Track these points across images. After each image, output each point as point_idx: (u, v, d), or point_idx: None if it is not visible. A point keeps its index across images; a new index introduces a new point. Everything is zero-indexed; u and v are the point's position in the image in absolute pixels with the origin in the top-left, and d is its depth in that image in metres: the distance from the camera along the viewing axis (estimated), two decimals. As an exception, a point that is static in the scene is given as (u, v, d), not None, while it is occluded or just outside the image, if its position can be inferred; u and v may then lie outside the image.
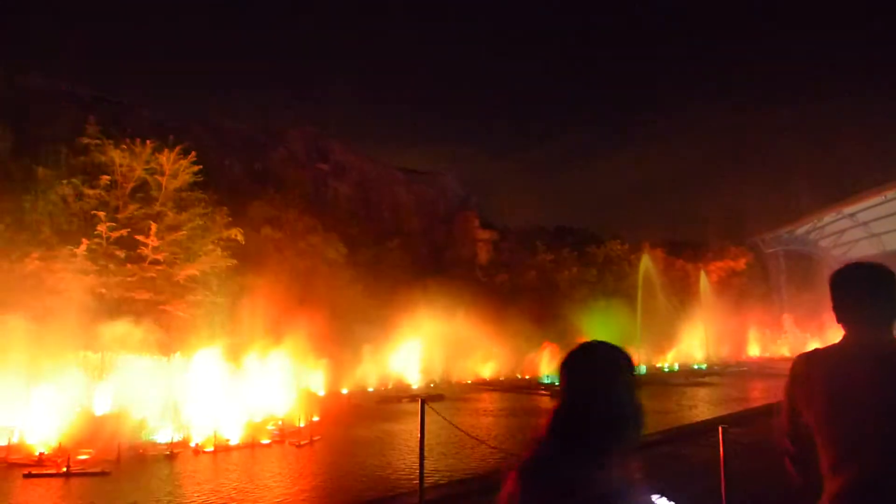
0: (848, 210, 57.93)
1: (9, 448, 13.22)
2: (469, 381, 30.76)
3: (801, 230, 62.42)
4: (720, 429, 6.70)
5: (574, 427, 1.63)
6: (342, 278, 33.48)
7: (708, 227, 57.49)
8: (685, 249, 54.15)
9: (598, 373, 1.69)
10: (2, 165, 25.59)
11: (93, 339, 20.44)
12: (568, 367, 1.77)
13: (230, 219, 27.74)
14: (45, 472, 11.99)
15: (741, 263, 55.84)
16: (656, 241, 52.72)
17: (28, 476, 11.71)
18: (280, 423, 16.74)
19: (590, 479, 1.53)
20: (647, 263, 45.75)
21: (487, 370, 32.39)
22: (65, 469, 11.82)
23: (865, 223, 59.45)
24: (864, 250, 62.24)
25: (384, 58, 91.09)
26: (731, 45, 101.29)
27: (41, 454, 12.97)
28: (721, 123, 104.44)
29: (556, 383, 2.58)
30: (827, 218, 60.39)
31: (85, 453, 13.40)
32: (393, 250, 38.99)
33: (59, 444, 13.54)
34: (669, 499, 1.88)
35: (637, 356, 36.78)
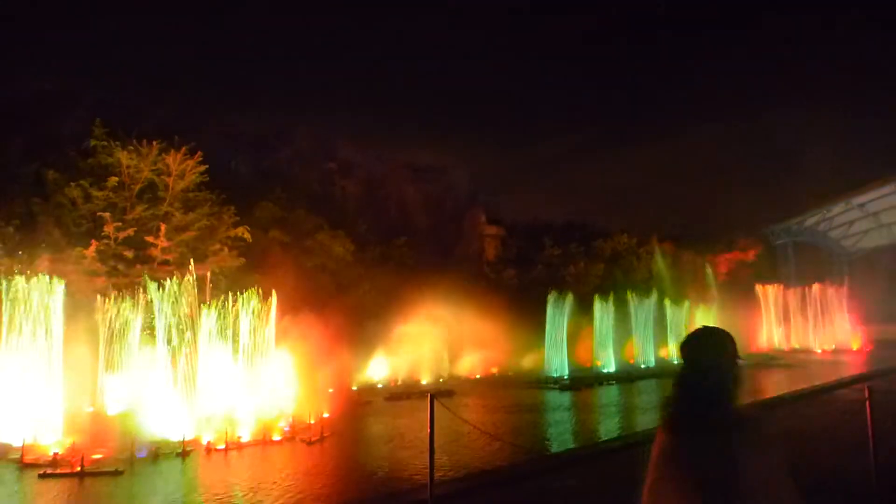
0: (857, 200, 57.48)
1: (24, 448, 13.36)
2: (478, 377, 30.79)
3: (810, 221, 61.97)
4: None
5: (701, 386, 2.31)
6: (350, 276, 33.56)
7: (717, 220, 57.23)
8: (694, 242, 53.93)
9: (713, 349, 2.40)
10: (11, 168, 25.80)
11: (105, 339, 20.63)
12: (691, 345, 2.44)
13: (237, 218, 27.86)
14: (59, 472, 12.13)
15: (750, 255, 55.57)
16: (664, 234, 52.57)
17: (43, 476, 11.84)
18: (290, 420, 16.83)
19: (724, 413, 2.27)
20: (658, 259, 45.65)
21: (496, 366, 32.41)
22: (79, 469, 11.95)
23: (875, 213, 58.98)
24: (873, 241, 61.79)
25: (391, 55, 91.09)
26: (740, 37, 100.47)
27: (55, 454, 13.11)
28: (729, 115, 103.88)
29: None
30: (836, 208, 59.92)
31: (98, 453, 13.54)
32: (400, 247, 39.02)
33: (73, 443, 13.67)
34: None
35: (644, 349, 36.70)
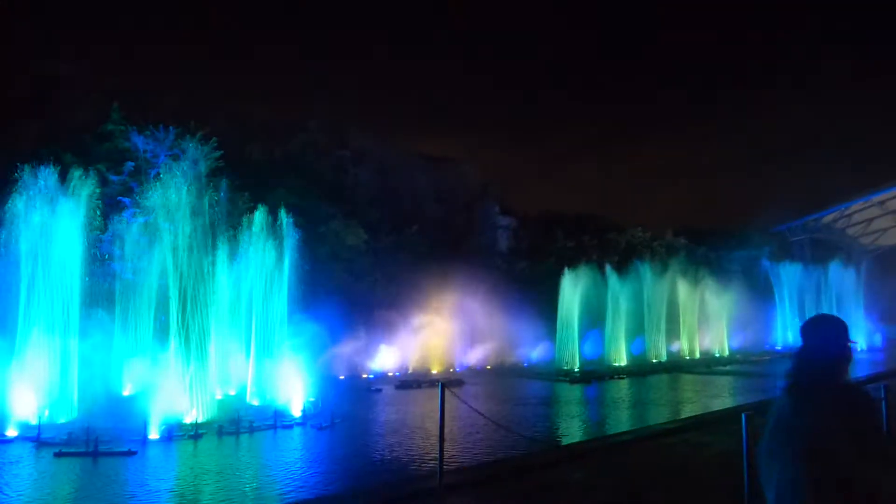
0: (877, 197, 56.58)
1: (40, 427, 13.55)
2: (489, 367, 30.83)
3: (827, 218, 61.12)
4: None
5: (817, 363, 2.75)
6: (362, 264, 33.62)
7: (732, 215, 56.64)
8: (708, 237, 53.41)
9: (826, 331, 2.83)
10: (29, 153, 26.01)
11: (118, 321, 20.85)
12: (808, 328, 2.87)
13: (252, 204, 27.92)
14: (74, 451, 12.29)
15: (766, 251, 54.97)
16: (679, 228, 52.13)
17: (59, 454, 12.01)
18: (302, 405, 16.93)
19: (832, 384, 2.69)
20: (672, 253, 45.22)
21: (507, 356, 32.42)
22: (93, 448, 12.10)
23: (895, 211, 58.06)
24: (893, 238, 60.90)
25: (404, 45, 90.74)
26: (760, 31, 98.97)
27: (71, 433, 13.28)
28: (745, 111, 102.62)
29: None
30: (855, 205, 59.03)
31: (113, 433, 13.71)
32: (412, 237, 39.03)
33: (89, 423, 13.85)
34: None
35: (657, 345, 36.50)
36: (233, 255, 21.29)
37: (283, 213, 22.06)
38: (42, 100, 31.04)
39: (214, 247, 19.54)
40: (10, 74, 34.05)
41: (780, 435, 2.68)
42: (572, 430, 15.55)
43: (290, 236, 22.15)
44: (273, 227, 21.63)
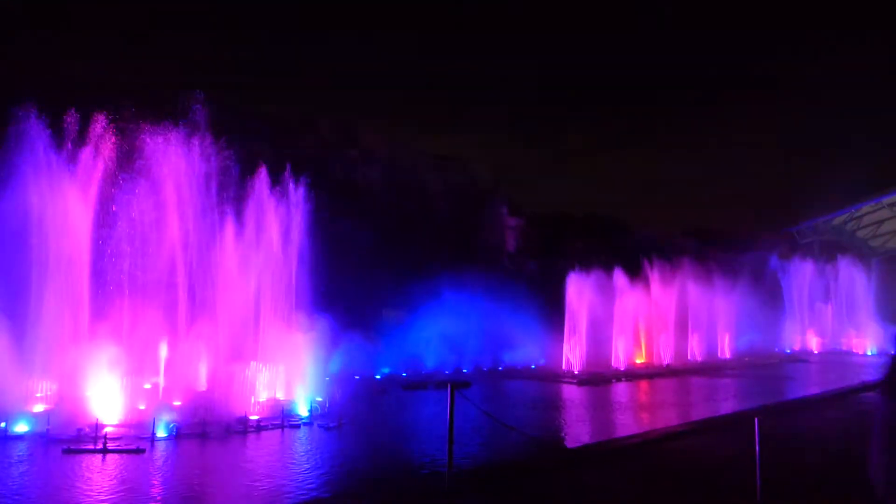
0: (887, 199, 56.10)
1: (49, 423, 13.61)
2: (499, 368, 30.80)
3: (837, 220, 60.70)
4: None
5: None
6: (370, 263, 33.61)
7: (741, 216, 56.39)
8: (718, 238, 53.18)
9: None
10: (43, 154, 26.15)
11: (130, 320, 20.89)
12: None
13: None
14: (83, 448, 12.34)
15: (775, 253, 54.66)
16: (689, 229, 51.89)
17: (67, 451, 12.06)
18: (309, 405, 16.95)
19: None
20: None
21: (515, 357, 32.32)
22: (102, 446, 12.15)
23: (906, 214, 57.56)
24: (903, 241, 60.41)
25: (414, 44, 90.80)
26: (770, 35, 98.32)
27: (79, 430, 13.34)
28: (754, 112, 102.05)
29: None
30: (865, 207, 58.61)
31: (121, 430, 13.77)
32: (421, 236, 39.03)
33: (97, 420, 13.90)
34: None
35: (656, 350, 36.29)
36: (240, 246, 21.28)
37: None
38: (59, 98, 31.16)
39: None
40: (21, 76, 34.29)
41: (882, 432, 2.99)
42: (580, 433, 15.48)
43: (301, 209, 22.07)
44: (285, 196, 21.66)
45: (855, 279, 49.98)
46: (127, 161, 21.05)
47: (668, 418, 17.11)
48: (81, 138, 19.28)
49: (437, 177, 48.42)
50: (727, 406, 19.72)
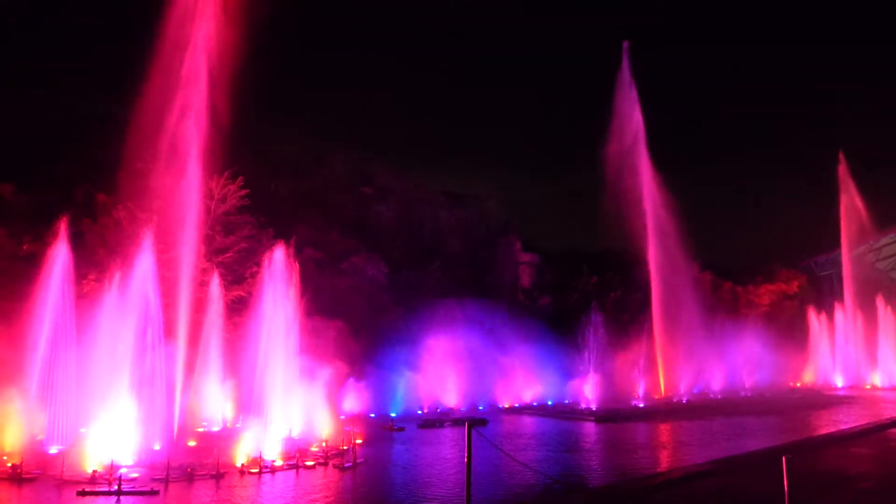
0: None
1: (63, 464, 13.52)
2: (516, 405, 30.38)
3: (856, 252, 60.01)
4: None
5: None
6: (384, 299, 33.54)
7: (757, 250, 55.85)
8: (734, 273, 52.59)
9: None
10: (64, 189, 26.69)
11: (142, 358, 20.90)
12: None
13: (276, 241, 28.17)
14: (97, 489, 12.22)
15: (793, 286, 53.87)
16: (705, 263, 51.35)
17: (81, 493, 11.94)
18: (324, 444, 16.74)
19: None
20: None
21: (531, 394, 31.87)
22: (116, 488, 12.03)
23: (925, 246, 56.85)
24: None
25: (426, 82, 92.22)
26: (785, 63, 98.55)
27: (94, 472, 13.23)
28: (770, 143, 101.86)
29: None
30: (884, 239, 57.99)
31: (135, 472, 13.65)
32: (434, 272, 39.02)
33: (111, 461, 13.79)
34: None
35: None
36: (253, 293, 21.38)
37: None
38: (78, 139, 31.87)
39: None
40: (44, 114, 35.28)
41: None
42: (601, 472, 15.11)
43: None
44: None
45: (878, 312, 49.13)
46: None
47: (691, 456, 16.68)
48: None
49: (450, 214, 48.64)
50: (752, 443, 19.19)
